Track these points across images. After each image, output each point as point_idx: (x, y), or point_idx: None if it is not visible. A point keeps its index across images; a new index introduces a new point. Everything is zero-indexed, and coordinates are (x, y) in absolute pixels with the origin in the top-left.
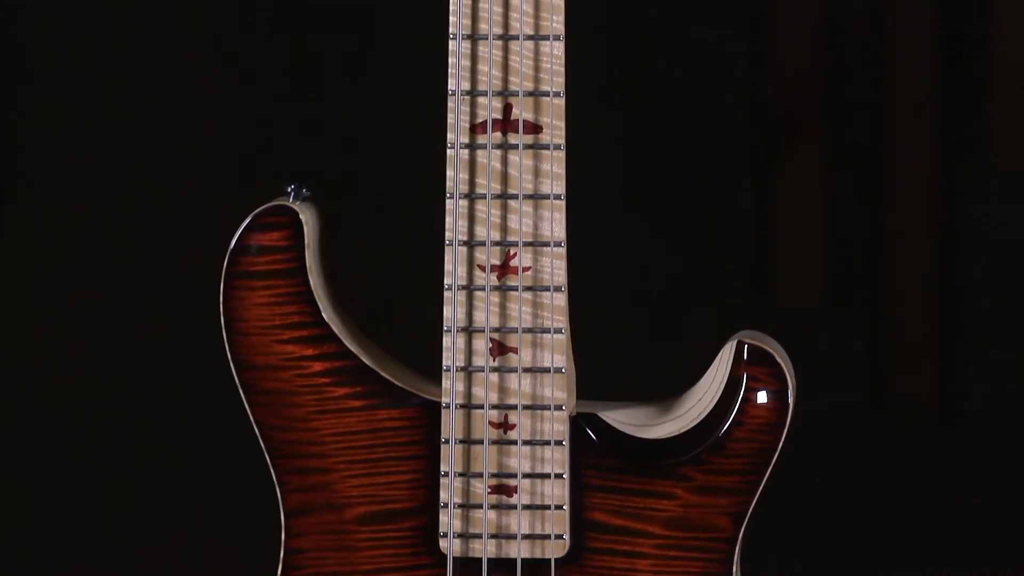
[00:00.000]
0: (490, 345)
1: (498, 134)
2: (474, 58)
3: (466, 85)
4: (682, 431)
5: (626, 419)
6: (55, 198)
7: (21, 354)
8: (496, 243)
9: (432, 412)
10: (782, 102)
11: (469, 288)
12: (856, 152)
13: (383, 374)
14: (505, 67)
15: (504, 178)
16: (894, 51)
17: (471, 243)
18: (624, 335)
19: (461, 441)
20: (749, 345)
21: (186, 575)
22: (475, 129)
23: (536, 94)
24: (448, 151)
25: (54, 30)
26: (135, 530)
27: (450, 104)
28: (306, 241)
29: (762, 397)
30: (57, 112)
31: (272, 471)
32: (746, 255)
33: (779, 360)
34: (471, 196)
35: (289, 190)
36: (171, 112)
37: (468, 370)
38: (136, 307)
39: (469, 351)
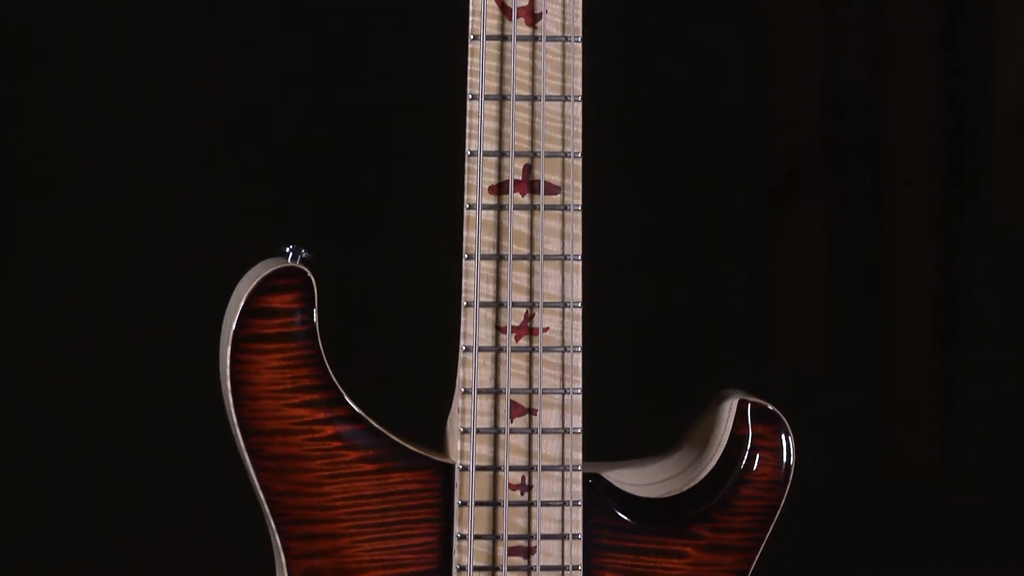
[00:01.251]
0: (508, 406)
1: (517, 194)
2: (497, 119)
3: (484, 145)
4: (683, 490)
5: (624, 478)
6: (54, 200)
7: (21, 354)
8: (515, 304)
9: (446, 474)
10: (781, 163)
11: (489, 349)
12: (856, 210)
13: (393, 437)
14: (525, 128)
15: (522, 239)
16: (893, 106)
17: (489, 304)
18: (621, 392)
19: (478, 503)
20: (752, 404)
21: (186, 575)
22: (492, 189)
23: (555, 155)
24: (466, 212)
25: (61, 34)
26: (135, 530)
27: (468, 165)
28: (315, 303)
29: (767, 455)
30: (59, 118)
31: (277, 537)
32: (745, 313)
33: (782, 418)
34: (489, 257)
35: (287, 250)
36: (168, 113)
37: (485, 431)
38: (136, 307)
39: (495, 413)
